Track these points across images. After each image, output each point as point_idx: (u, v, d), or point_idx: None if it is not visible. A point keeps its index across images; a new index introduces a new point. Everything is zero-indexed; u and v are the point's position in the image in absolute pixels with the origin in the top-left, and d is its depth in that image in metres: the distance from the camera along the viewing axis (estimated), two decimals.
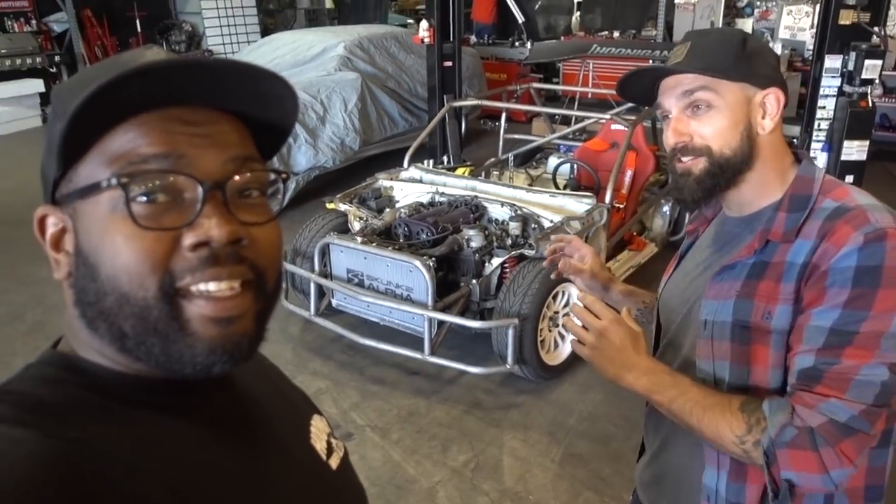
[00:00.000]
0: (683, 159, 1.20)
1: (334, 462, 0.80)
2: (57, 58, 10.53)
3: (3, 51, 9.78)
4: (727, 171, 1.19)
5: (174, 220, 0.61)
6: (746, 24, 10.00)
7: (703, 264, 1.32)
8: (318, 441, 0.80)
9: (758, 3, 10.25)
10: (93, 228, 0.62)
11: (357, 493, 0.85)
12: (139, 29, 11.30)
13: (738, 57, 1.18)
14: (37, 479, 0.52)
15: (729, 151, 1.18)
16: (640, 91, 1.29)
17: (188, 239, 0.60)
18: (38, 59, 10.18)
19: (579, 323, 1.24)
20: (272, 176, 0.69)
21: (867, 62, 4.74)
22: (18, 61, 9.91)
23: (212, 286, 0.61)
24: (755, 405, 1.10)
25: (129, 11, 11.32)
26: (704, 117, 1.18)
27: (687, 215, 4.93)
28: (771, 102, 1.20)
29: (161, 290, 0.60)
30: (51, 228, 0.66)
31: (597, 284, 1.56)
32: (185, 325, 0.61)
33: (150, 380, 0.65)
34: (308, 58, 7.44)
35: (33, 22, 10.60)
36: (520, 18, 11.01)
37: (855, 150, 4.89)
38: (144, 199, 0.60)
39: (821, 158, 5.07)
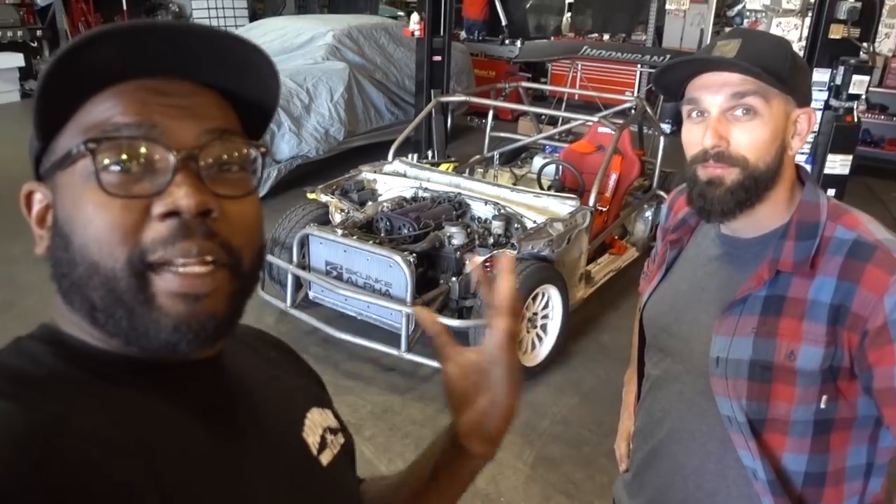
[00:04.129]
0: (715, 167, 1.12)
1: (326, 458, 0.79)
2: (39, 32, 10.33)
3: None
4: (760, 187, 1.12)
5: (145, 189, 0.60)
6: None
7: (699, 284, 1.27)
8: (311, 435, 0.79)
9: (748, 13, 10.29)
10: (68, 199, 0.62)
11: (346, 491, 0.83)
12: (124, 6, 11.12)
13: (791, 67, 1.11)
14: (14, 451, 0.51)
15: (763, 166, 1.11)
16: (674, 82, 1.19)
17: (157, 208, 0.60)
18: (20, 33, 9.96)
19: None
20: (252, 152, 0.67)
21: (855, 77, 4.75)
22: None
23: (181, 262, 0.60)
24: None
25: None
26: (748, 125, 1.10)
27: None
28: (803, 122, 1.15)
29: (129, 261, 0.59)
30: (36, 205, 0.66)
31: None
32: (152, 298, 0.60)
33: (133, 358, 0.64)
34: (296, 45, 7.36)
35: None
36: (503, 20, 11.01)
37: (838, 164, 4.92)
38: (117, 167, 0.60)
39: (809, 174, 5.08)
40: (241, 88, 0.67)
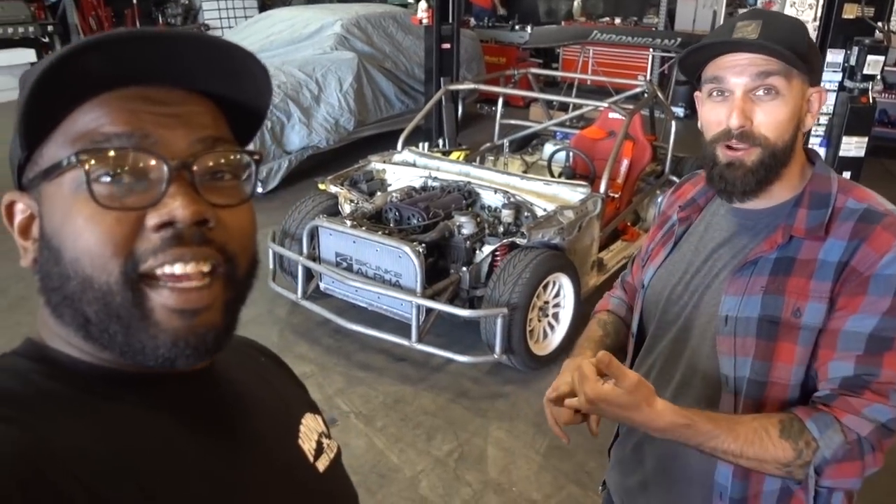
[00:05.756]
0: (737, 146, 1.14)
1: (322, 464, 0.78)
2: (50, 28, 10.35)
3: None
4: (778, 164, 1.15)
5: (138, 200, 0.59)
6: None
7: (712, 257, 1.28)
8: (307, 441, 0.78)
9: None
10: (56, 210, 0.60)
11: (345, 496, 0.82)
12: (135, 0, 11.13)
13: (809, 46, 1.13)
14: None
15: (782, 143, 1.14)
16: (697, 62, 1.20)
17: (151, 219, 0.59)
18: (31, 29, 9.99)
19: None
20: (245, 159, 0.66)
21: (870, 57, 4.67)
22: (10, 30, 9.73)
23: (177, 268, 0.59)
24: (797, 428, 1.08)
25: None
26: (770, 105, 1.12)
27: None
28: (815, 101, 1.18)
29: (124, 274, 0.58)
30: (19, 216, 0.65)
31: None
32: (149, 313, 0.59)
33: (123, 373, 0.63)
34: (304, 35, 7.33)
35: None
36: (499, 10, 11.13)
37: (853, 147, 4.84)
38: (108, 178, 0.59)
39: (819, 153, 5.01)
40: (235, 95, 0.66)
